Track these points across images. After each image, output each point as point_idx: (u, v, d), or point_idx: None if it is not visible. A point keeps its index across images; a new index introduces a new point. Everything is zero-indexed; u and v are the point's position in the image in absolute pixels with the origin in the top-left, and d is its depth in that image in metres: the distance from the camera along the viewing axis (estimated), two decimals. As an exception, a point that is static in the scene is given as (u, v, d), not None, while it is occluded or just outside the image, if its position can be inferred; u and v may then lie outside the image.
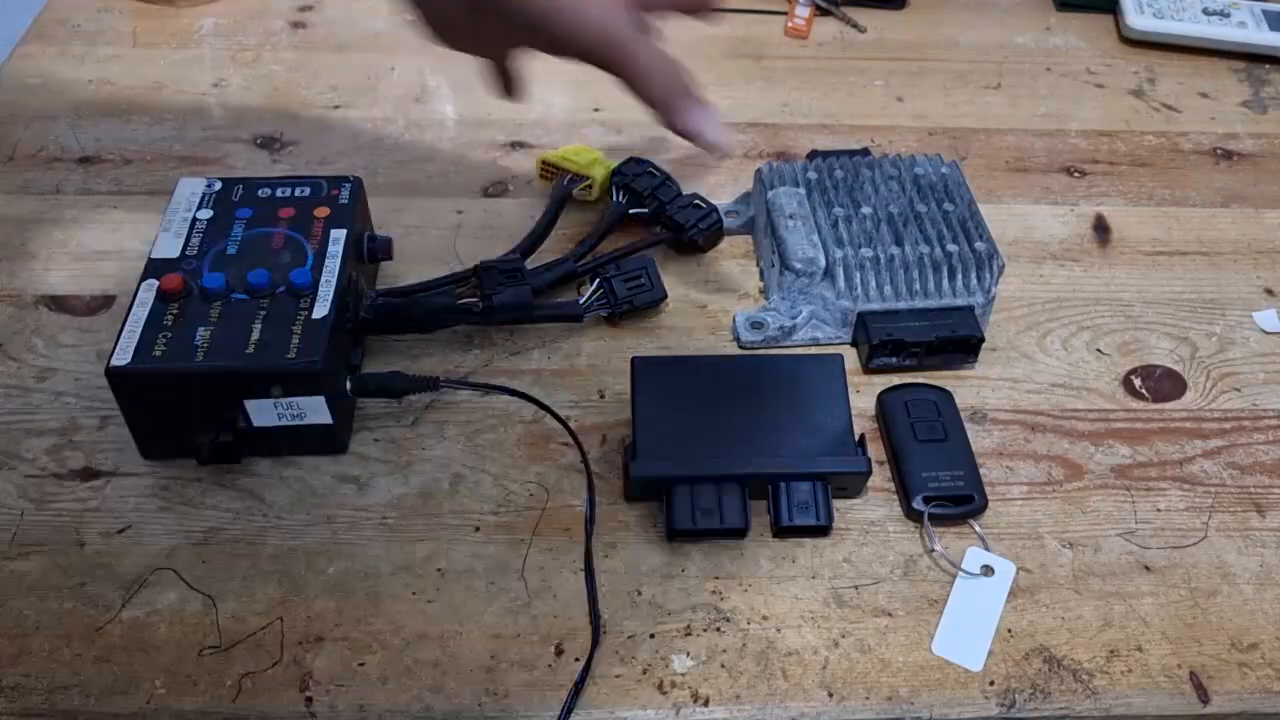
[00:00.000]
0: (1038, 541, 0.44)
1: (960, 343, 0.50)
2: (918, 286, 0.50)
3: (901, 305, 0.50)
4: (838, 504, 0.45)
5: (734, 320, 0.52)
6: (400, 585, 0.42)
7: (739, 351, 0.51)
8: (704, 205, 0.56)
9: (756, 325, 0.51)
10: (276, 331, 0.43)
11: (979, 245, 0.51)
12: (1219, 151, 0.66)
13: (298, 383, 0.42)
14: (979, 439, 0.48)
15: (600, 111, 0.66)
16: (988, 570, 0.43)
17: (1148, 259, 0.58)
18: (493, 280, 0.49)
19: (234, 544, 0.43)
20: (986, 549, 0.44)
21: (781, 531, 0.43)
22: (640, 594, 0.42)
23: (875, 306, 0.50)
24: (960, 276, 0.50)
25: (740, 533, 0.43)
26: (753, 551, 0.43)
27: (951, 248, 0.51)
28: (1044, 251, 0.58)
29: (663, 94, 0.40)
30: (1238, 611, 0.42)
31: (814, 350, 0.51)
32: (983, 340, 0.50)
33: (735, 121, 0.66)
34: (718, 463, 0.43)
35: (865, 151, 0.60)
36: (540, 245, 0.54)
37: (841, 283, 0.50)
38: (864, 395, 0.49)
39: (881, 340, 0.49)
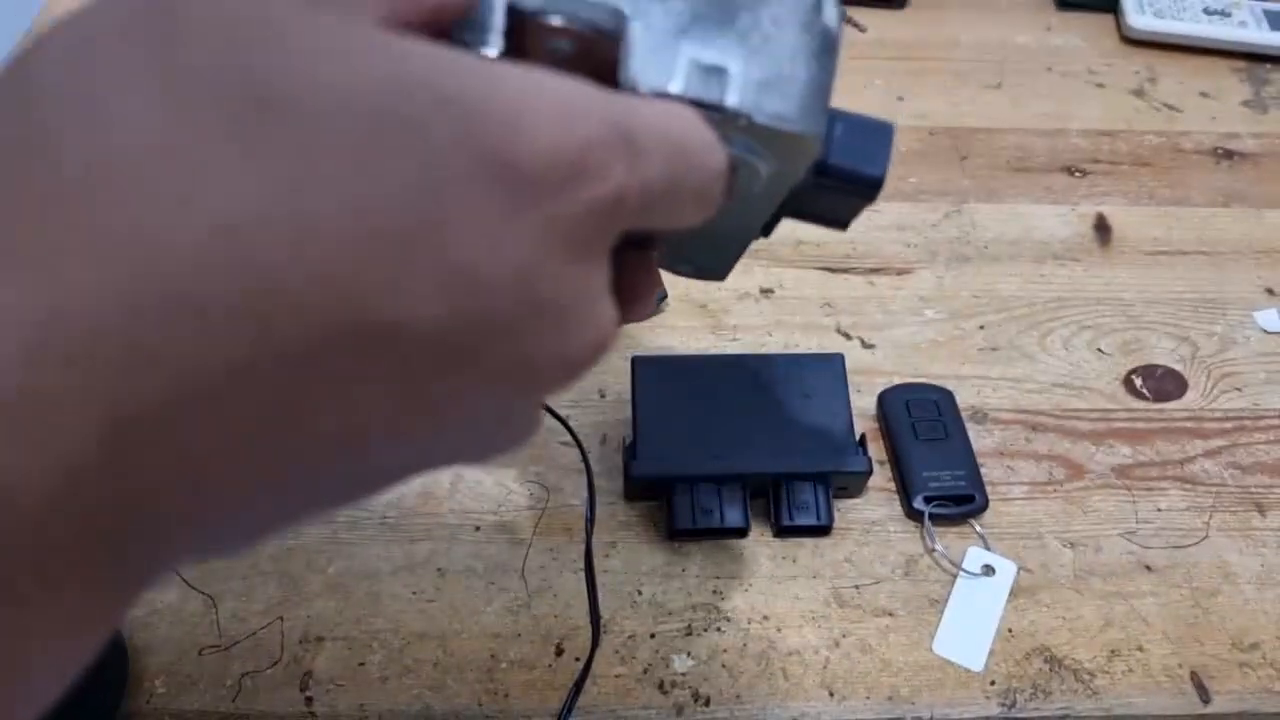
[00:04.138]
0: (1039, 541, 0.44)
1: None
2: None
3: None
4: (838, 504, 0.45)
5: None
6: (400, 585, 0.42)
7: (739, 351, 0.51)
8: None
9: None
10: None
11: None
12: (1220, 151, 0.66)
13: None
14: (980, 438, 0.48)
15: (600, 111, 0.66)
16: (988, 570, 0.43)
17: (1149, 258, 0.58)
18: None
19: (234, 543, 0.43)
20: (987, 549, 0.44)
21: (782, 531, 0.43)
22: (641, 594, 0.42)
23: None
24: None
25: (741, 532, 0.43)
26: (753, 551, 0.43)
27: None
28: (1045, 251, 0.58)
29: None
30: (1239, 611, 0.42)
31: (814, 350, 0.51)
32: None
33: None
34: (718, 462, 0.43)
35: None
36: (540, 244, 0.54)
37: None
38: (865, 394, 0.49)
39: None
